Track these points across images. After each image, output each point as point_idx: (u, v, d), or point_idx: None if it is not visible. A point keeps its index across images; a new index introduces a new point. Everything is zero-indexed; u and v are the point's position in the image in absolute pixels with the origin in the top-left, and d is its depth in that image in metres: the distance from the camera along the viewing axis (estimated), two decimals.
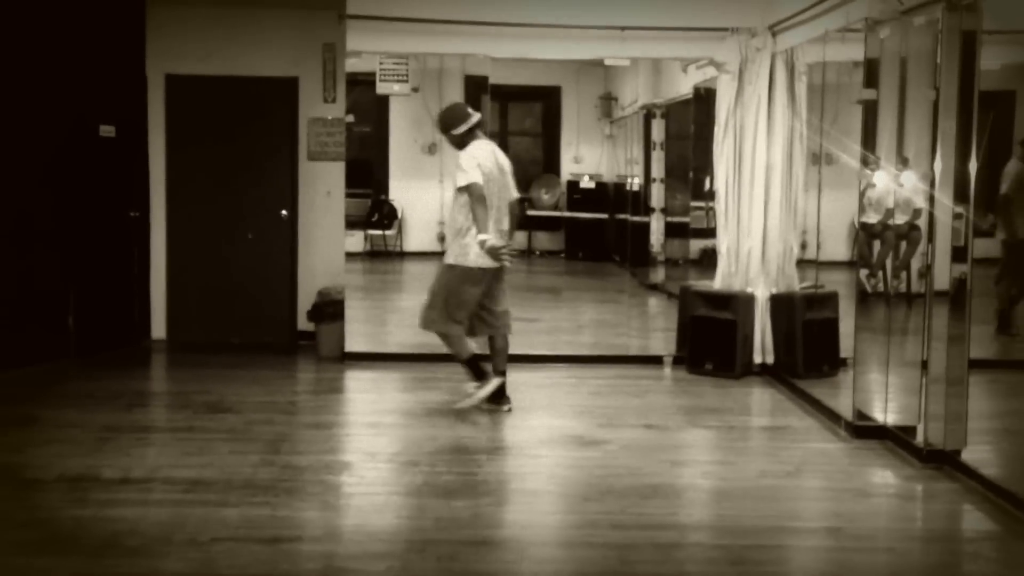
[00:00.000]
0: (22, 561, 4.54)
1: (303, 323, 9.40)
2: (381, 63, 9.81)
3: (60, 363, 8.48)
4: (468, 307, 6.92)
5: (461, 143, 6.87)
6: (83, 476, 5.65)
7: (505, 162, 7.00)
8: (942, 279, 5.97)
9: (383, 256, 15.24)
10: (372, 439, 6.66)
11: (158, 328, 9.62)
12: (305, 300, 9.40)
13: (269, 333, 9.53)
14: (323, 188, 9.57)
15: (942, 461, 5.95)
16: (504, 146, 16.68)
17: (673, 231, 12.81)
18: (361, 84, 10.05)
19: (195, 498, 5.33)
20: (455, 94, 13.63)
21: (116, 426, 6.70)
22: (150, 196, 9.53)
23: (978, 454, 5.80)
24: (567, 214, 16.47)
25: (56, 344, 8.56)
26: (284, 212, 9.53)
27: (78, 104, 8.64)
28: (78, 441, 6.34)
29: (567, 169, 16.85)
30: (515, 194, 7.07)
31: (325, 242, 9.55)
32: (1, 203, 8.05)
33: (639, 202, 14.13)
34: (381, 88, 9.90)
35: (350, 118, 9.73)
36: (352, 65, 9.27)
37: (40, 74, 8.26)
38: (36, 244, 8.39)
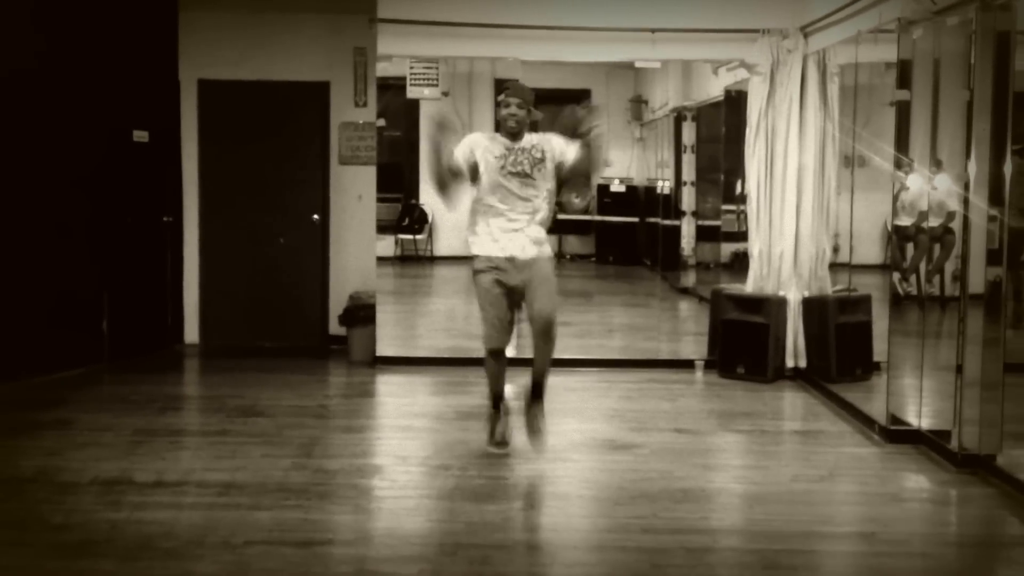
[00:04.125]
0: (58, 564, 4.58)
1: (335, 327, 9.43)
2: (411, 67, 9.84)
3: (94, 367, 8.56)
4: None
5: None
6: (117, 479, 5.68)
7: None
8: (977, 282, 5.93)
9: (414, 260, 15.29)
10: (403, 443, 6.67)
11: (191, 332, 9.68)
12: (336, 304, 9.44)
13: (301, 337, 9.57)
14: (354, 192, 9.60)
15: (977, 466, 5.90)
16: None
17: (704, 234, 12.77)
18: (392, 88, 10.09)
19: (228, 501, 5.36)
20: (485, 98, 13.68)
21: (149, 430, 6.75)
22: (183, 201, 9.60)
23: (1013, 459, 5.73)
24: (597, 218, 16.45)
25: (90, 348, 8.63)
26: (316, 216, 9.57)
27: (112, 110, 8.71)
28: (112, 445, 6.38)
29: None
30: None
31: (356, 246, 9.58)
32: (37, 208, 8.12)
33: (670, 205, 14.09)
34: (411, 92, 9.91)
35: (381, 122, 9.75)
36: (382, 69, 9.31)
37: (74, 80, 8.34)
38: (71, 249, 8.46)
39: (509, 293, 6.09)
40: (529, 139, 6.11)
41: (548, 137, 6.13)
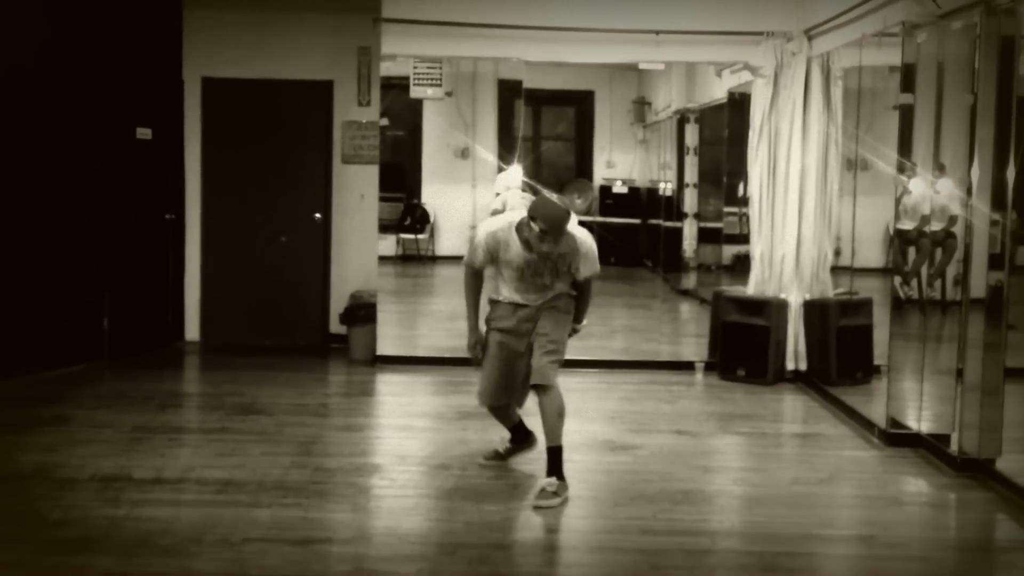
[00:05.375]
0: (56, 560, 4.58)
1: (335, 326, 9.44)
2: (415, 67, 9.83)
3: (94, 364, 8.55)
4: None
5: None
6: (116, 476, 5.68)
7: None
8: (978, 286, 5.92)
9: (415, 260, 15.25)
10: (403, 442, 6.67)
11: (191, 330, 9.69)
12: (337, 303, 9.44)
13: (301, 336, 9.58)
14: (356, 191, 9.60)
15: (976, 470, 5.90)
16: (537, 150, 16.73)
17: (706, 236, 12.76)
18: (395, 88, 10.07)
19: (227, 499, 5.36)
20: (488, 99, 13.67)
21: (149, 427, 6.75)
22: (185, 198, 9.60)
23: (1013, 463, 5.73)
24: (599, 219, 16.41)
25: (91, 345, 8.62)
26: (317, 215, 9.58)
27: (115, 107, 8.71)
28: (111, 441, 6.39)
29: (600, 174, 16.79)
30: None
31: (358, 245, 9.58)
32: (39, 205, 8.12)
33: (672, 207, 14.08)
34: (415, 92, 9.90)
35: (384, 121, 9.76)
36: (386, 69, 9.30)
37: (78, 77, 8.33)
38: (72, 246, 8.46)
39: (515, 358, 5.82)
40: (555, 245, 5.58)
41: (576, 247, 5.66)
